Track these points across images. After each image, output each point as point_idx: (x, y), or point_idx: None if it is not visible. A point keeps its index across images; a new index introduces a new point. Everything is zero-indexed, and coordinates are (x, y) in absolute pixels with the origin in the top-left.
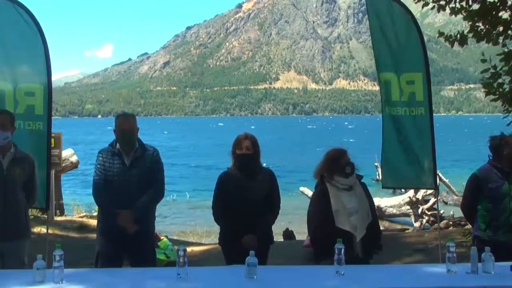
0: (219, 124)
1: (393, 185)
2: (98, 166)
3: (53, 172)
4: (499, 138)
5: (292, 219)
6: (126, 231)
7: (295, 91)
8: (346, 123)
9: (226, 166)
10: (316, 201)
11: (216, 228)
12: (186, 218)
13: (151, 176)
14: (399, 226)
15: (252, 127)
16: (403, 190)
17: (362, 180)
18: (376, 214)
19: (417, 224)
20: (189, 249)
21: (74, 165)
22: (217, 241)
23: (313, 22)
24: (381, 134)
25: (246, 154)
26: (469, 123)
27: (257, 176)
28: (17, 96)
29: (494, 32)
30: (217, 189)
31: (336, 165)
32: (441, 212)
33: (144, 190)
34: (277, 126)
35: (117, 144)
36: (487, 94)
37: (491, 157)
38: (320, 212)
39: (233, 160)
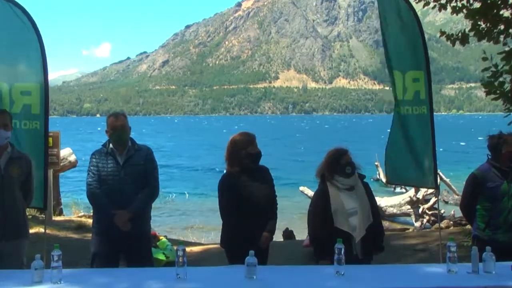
0: (204, 123)
1: (397, 182)
2: (92, 167)
3: (51, 171)
4: (497, 137)
5: (291, 218)
6: (122, 231)
7: (295, 90)
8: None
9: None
10: (316, 201)
11: (216, 227)
12: (185, 218)
13: (145, 175)
14: (399, 226)
15: (236, 126)
16: (403, 189)
17: (364, 180)
18: (379, 215)
19: (417, 224)
20: (188, 249)
21: (73, 165)
22: (216, 241)
23: (313, 21)
24: (376, 133)
25: (260, 152)
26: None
27: (259, 174)
28: (12, 96)
29: (495, 30)
30: (224, 192)
31: (336, 165)
32: (442, 211)
33: (138, 189)
34: (269, 125)
35: (110, 144)
36: (487, 93)
37: (489, 156)
38: (319, 212)
39: (240, 161)
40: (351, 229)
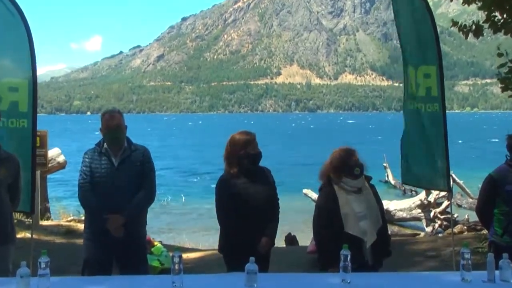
0: (189, 123)
1: (411, 183)
2: (84, 168)
3: (38, 173)
4: None
5: (295, 223)
6: (115, 236)
7: (298, 86)
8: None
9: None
10: (323, 204)
11: (213, 232)
12: (181, 223)
13: (141, 177)
14: (409, 231)
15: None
16: (414, 192)
17: (371, 182)
18: (385, 218)
19: (429, 229)
20: (184, 255)
21: (61, 166)
22: (215, 247)
23: (317, 13)
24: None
25: (260, 152)
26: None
27: (259, 176)
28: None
29: None
30: (221, 193)
31: (344, 166)
32: (455, 216)
33: (134, 192)
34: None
35: (105, 144)
36: (504, 89)
37: (508, 157)
38: (327, 216)
39: (239, 161)
40: (362, 233)
